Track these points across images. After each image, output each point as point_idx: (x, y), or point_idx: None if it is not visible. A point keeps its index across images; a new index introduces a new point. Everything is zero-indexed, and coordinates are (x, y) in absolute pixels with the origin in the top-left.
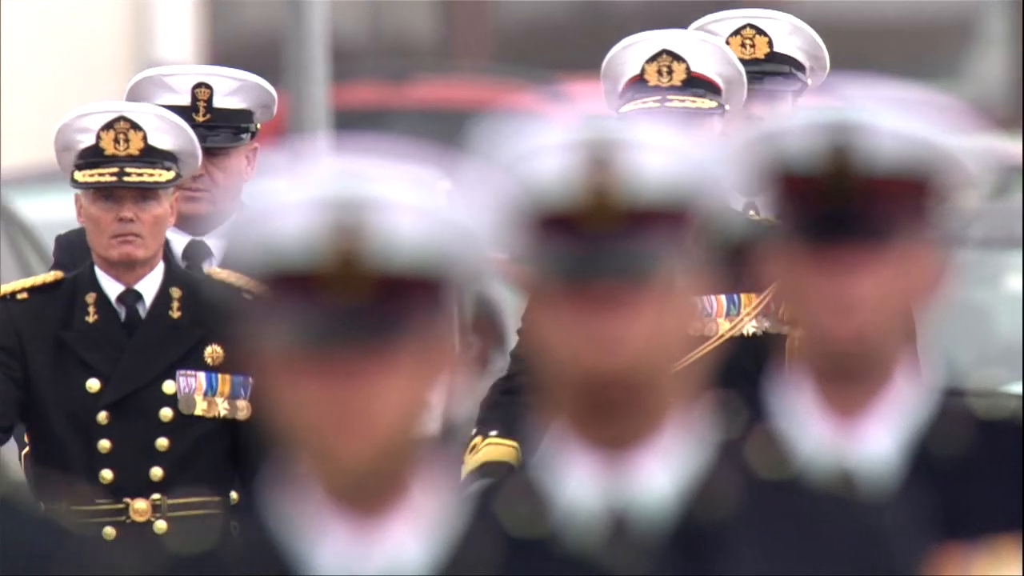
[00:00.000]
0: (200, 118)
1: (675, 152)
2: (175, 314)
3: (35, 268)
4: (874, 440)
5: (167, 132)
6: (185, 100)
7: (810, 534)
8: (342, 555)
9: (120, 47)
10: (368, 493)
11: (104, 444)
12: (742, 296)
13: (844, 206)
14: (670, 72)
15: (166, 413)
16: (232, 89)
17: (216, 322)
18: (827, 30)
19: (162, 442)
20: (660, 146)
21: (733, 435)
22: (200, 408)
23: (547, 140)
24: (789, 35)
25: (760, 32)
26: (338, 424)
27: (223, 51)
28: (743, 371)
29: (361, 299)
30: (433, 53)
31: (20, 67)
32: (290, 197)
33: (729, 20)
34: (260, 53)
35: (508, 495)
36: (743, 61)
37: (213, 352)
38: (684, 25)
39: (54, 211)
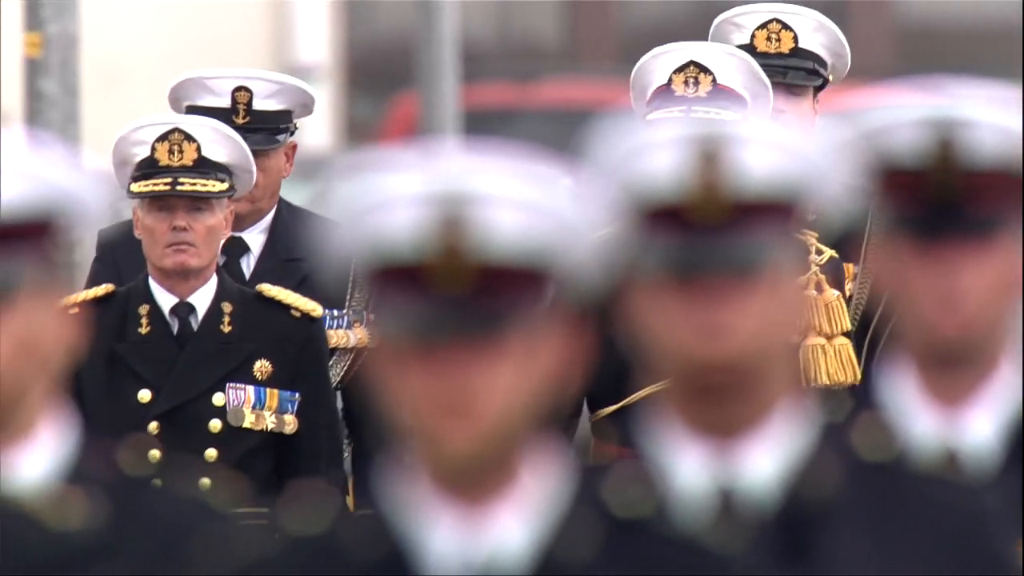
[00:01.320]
0: (240, 120)
1: (782, 146)
2: (226, 328)
3: None
4: (977, 427)
5: (221, 144)
6: (225, 103)
7: (913, 515)
8: (451, 539)
9: (260, 51)
10: (475, 480)
11: (154, 455)
12: None
13: (950, 201)
14: (696, 83)
15: (215, 425)
16: (271, 92)
17: (265, 337)
18: (928, 32)
19: (211, 453)
20: (767, 141)
21: (837, 420)
22: (248, 421)
23: (657, 136)
24: (814, 31)
25: (786, 27)
26: (445, 413)
27: (358, 54)
28: None
29: (466, 291)
30: (559, 54)
31: (164, 73)
32: (396, 192)
33: (756, 14)
34: (393, 56)
35: (616, 478)
36: (767, 55)
37: (262, 367)
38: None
39: None
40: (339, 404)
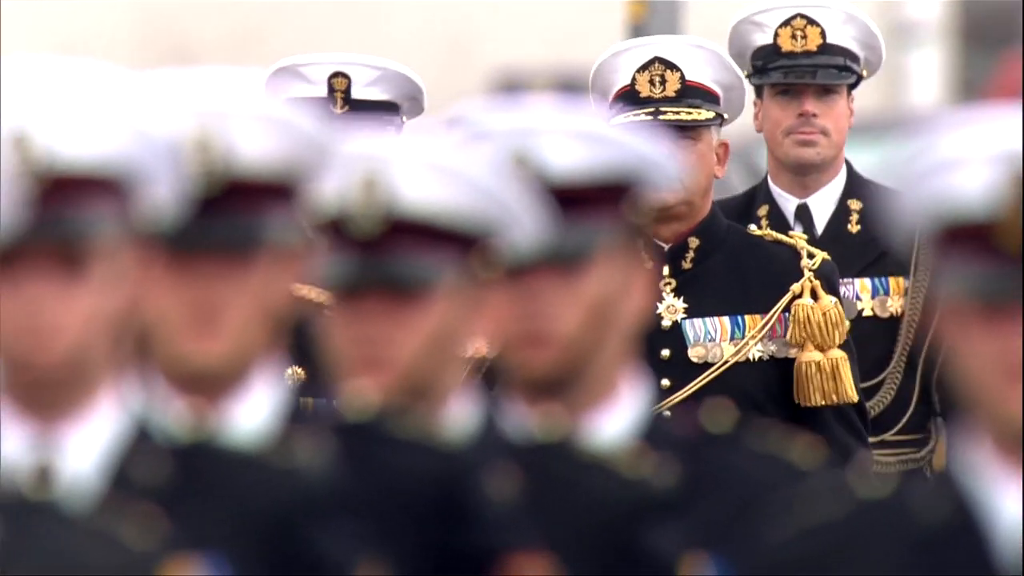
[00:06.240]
0: (338, 111)
1: None
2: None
3: None
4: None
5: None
6: (321, 91)
7: None
8: (1021, 503)
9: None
10: None
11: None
12: (747, 318)
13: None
14: (663, 82)
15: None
16: (372, 79)
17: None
18: None
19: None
20: None
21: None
22: None
23: None
24: (843, 24)
25: (811, 22)
26: (1012, 375)
27: (973, 12)
28: (750, 398)
29: None
30: None
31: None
32: (968, 152)
33: (778, 10)
34: (1009, 13)
35: None
36: (794, 54)
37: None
38: None
39: None
40: None
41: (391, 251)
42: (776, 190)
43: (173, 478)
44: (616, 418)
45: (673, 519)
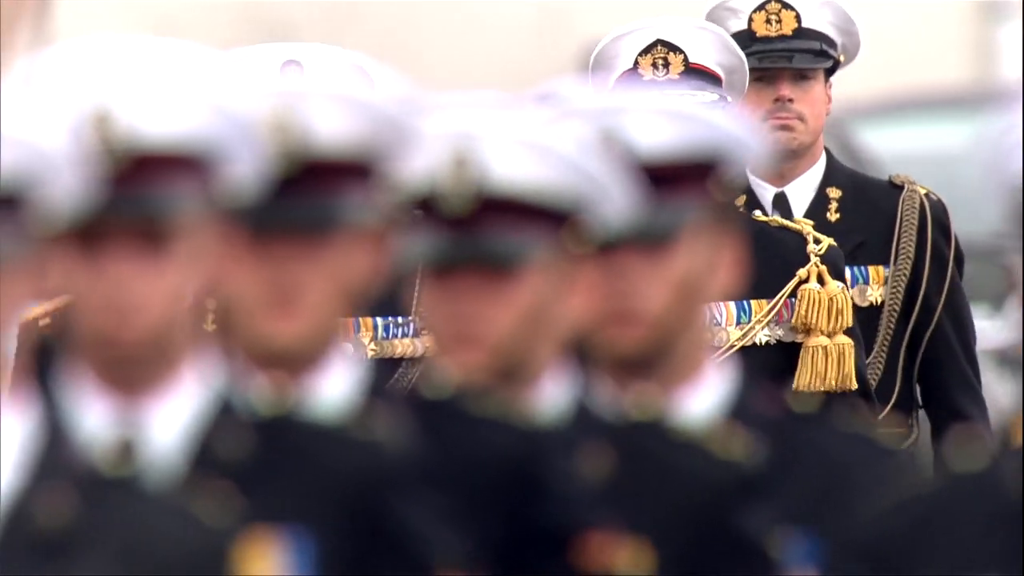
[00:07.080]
0: None
1: None
2: None
3: None
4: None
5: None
6: None
7: None
8: None
9: None
10: None
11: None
12: (753, 303)
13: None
14: (666, 64)
15: None
16: (325, 67)
17: None
18: None
19: None
20: None
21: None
22: None
23: None
24: (819, 8)
25: (786, 6)
26: None
27: None
28: None
29: None
30: None
31: None
32: None
33: None
34: None
35: None
36: (768, 39)
37: None
38: None
39: (897, 142)
40: None
41: (482, 228)
42: (753, 179)
43: (255, 452)
44: (703, 396)
45: (763, 498)
